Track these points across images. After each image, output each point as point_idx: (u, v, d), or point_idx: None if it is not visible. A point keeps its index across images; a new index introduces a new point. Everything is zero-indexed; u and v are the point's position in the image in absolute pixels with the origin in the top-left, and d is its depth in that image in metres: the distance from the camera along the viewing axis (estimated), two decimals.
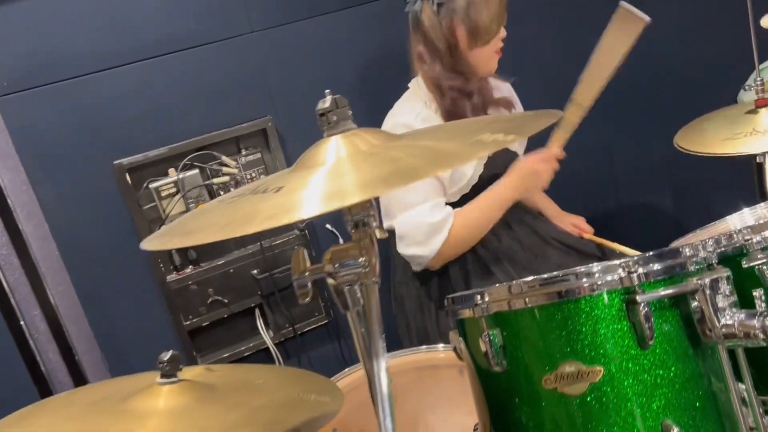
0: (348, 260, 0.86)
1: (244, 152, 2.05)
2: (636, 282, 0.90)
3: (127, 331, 2.01)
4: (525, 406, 0.97)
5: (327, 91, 0.90)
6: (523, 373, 0.96)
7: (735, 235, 1.05)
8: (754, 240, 1.03)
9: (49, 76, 1.83)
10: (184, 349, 2.06)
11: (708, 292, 0.91)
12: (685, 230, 1.54)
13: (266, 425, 1.09)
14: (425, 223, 1.69)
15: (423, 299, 1.85)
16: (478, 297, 0.98)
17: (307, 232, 2.14)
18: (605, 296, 0.92)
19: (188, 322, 2.04)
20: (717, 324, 0.92)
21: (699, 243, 0.98)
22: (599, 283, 0.92)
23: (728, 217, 1.55)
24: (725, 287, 0.93)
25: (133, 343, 2.02)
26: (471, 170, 1.77)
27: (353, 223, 0.87)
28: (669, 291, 0.92)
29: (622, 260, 0.92)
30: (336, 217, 1.90)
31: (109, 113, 1.90)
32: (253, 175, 2.04)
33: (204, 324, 2.06)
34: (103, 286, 1.96)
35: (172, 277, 2.01)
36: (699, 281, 0.92)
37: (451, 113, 1.75)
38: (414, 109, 1.77)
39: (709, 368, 0.95)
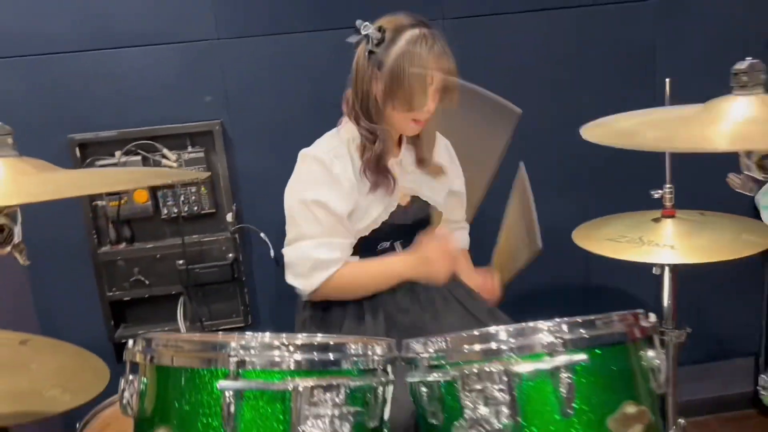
0: None
1: (189, 149, 2.15)
2: None
3: (57, 290, 2.20)
4: None
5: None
6: None
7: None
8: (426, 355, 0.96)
9: (20, 49, 2.04)
10: (104, 317, 2.22)
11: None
12: None
13: None
14: (311, 258, 1.69)
15: (306, 323, 1.86)
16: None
17: (237, 236, 2.21)
18: None
19: (111, 293, 2.19)
20: None
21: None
22: None
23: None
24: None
25: (62, 303, 2.21)
26: (375, 213, 1.74)
27: None
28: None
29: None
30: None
31: (71, 92, 2.08)
32: (193, 170, 2.15)
33: (125, 299, 2.20)
34: (41, 246, 2.16)
35: (104, 249, 2.17)
36: None
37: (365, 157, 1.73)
38: (331, 144, 1.77)
39: None
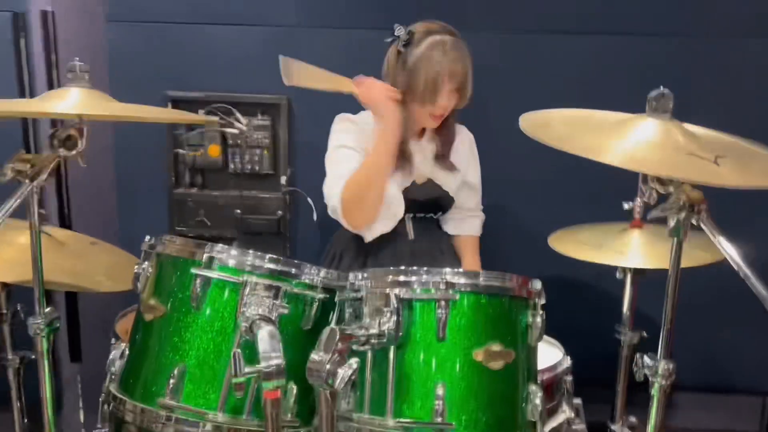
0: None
1: (259, 117, 2.52)
2: None
3: (137, 217, 2.65)
4: None
5: None
6: None
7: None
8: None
9: (138, 16, 2.48)
10: None
11: None
12: None
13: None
14: (338, 178, 1.94)
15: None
16: None
17: (287, 196, 2.56)
18: None
19: (179, 227, 2.61)
20: None
21: None
22: None
23: None
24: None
25: (139, 228, 2.64)
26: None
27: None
28: None
29: None
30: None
31: (172, 56, 2.49)
32: (259, 136, 2.52)
33: (189, 234, 2.60)
34: (133, 178, 2.60)
35: (179, 190, 2.59)
36: None
37: None
38: (366, 117, 2.08)
39: None
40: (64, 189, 2.39)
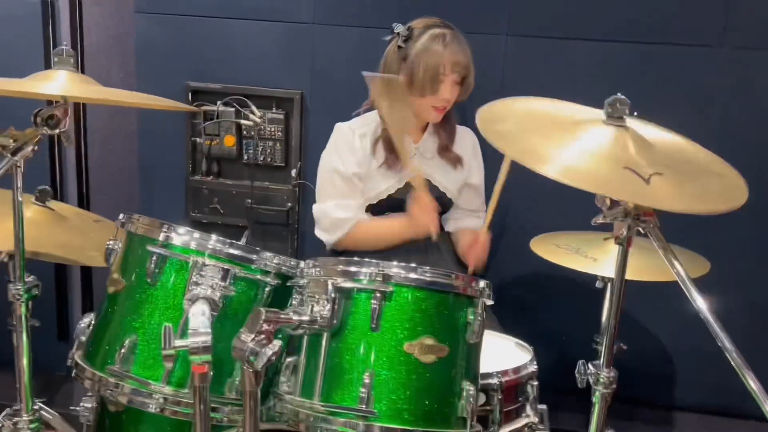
0: None
1: (273, 110, 2.60)
2: None
3: (157, 200, 2.76)
4: None
5: None
6: None
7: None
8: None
9: (163, 8, 2.58)
10: None
11: None
12: None
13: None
14: (330, 216, 2.09)
15: None
16: None
17: (297, 189, 2.62)
18: None
19: (193, 214, 2.71)
20: None
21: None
22: None
23: None
24: None
25: (158, 211, 2.76)
26: (384, 186, 2.08)
27: None
28: None
29: None
30: None
31: (194, 47, 2.60)
32: (272, 129, 2.59)
33: (203, 221, 2.71)
34: (154, 165, 2.72)
35: (195, 177, 2.69)
36: None
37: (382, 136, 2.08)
38: (361, 122, 2.14)
39: None
40: (83, 170, 2.52)
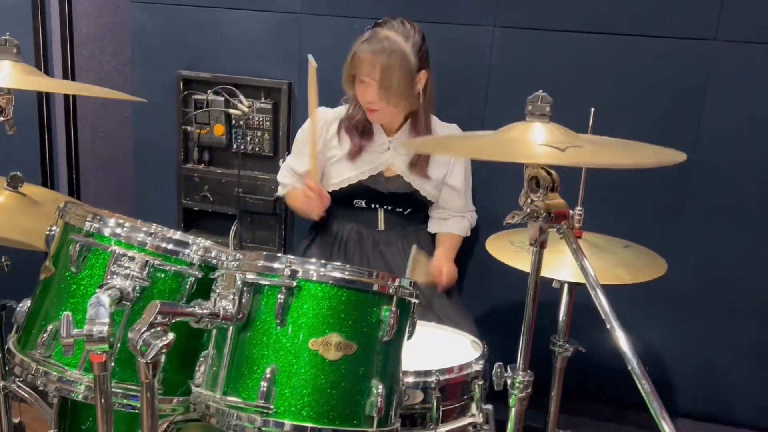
0: None
1: (262, 99, 2.61)
2: None
3: (151, 188, 2.81)
4: None
5: None
6: None
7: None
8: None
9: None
10: (177, 219, 2.79)
11: None
12: None
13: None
14: (281, 173, 2.32)
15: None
16: None
17: None
18: None
19: (185, 201, 2.75)
20: None
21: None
22: None
23: None
24: None
25: (152, 199, 2.82)
26: (350, 173, 2.10)
27: None
28: None
29: None
30: None
31: (186, 37, 2.63)
32: (261, 118, 2.60)
33: (195, 208, 2.75)
34: (147, 154, 2.76)
35: (187, 165, 2.73)
36: None
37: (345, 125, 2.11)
38: (335, 112, 2.17)
39: None
40: (74, 157, 2.57)
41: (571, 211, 1.70)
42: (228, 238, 2.73)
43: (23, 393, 1.96)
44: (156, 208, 2.83)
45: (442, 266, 2.09)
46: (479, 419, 1.57)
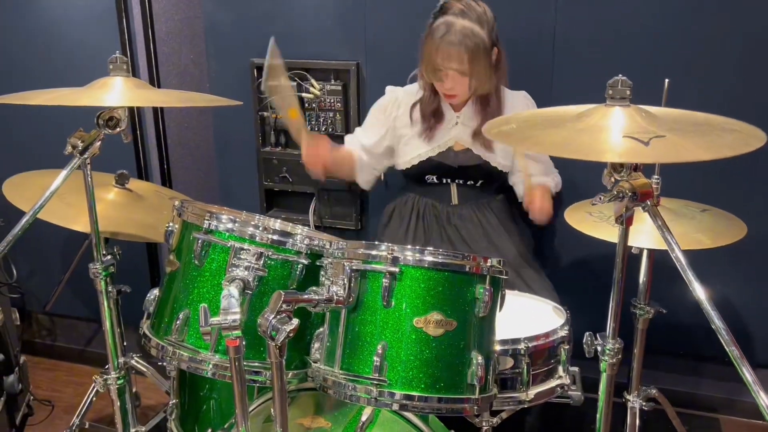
0: None
1: (332, 81, 2.71)
2: None
3: (234, 173, 2.98)
4: None
5: None
6: None
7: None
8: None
9: None
10: (259, 198, 2.95)
11: None
12: None
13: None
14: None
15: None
16: None
17: None
18: None
19: (266, 182, 2.91)
20: None
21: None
22: None
23: None
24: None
25: (236, 184, 2.99)
26: (421, 150, 2.20)
27: None
28: None
29: None
30: None
31: (257, 26, 2.74)
32: (332, 100, 2.71)
33: (275, 189, 2.91)
34: (229, 141, 2.92)
35: (265, 149, 2.87)
36: None
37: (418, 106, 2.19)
38: (409, 89, 2.25)
39: None
40: (164, 149, 2.75)
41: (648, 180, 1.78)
42: (308, 216, 2.89)
43: (141, 367, 2.18)
44: (240, 191, 3.00)
45: (535, 193, 2.10)
46: (566, 380, 1.67)
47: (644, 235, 1.71)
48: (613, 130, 1.19)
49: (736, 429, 2.54)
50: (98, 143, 1.57)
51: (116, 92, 1.53)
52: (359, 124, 2.71)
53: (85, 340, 3.19)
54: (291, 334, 1.19)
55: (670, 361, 2.63)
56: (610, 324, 1.30)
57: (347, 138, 2.43)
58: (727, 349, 1.06)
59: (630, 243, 1.69)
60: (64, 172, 1.52)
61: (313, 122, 2.76)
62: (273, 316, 1.20)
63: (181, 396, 1.92)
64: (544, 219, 2.08)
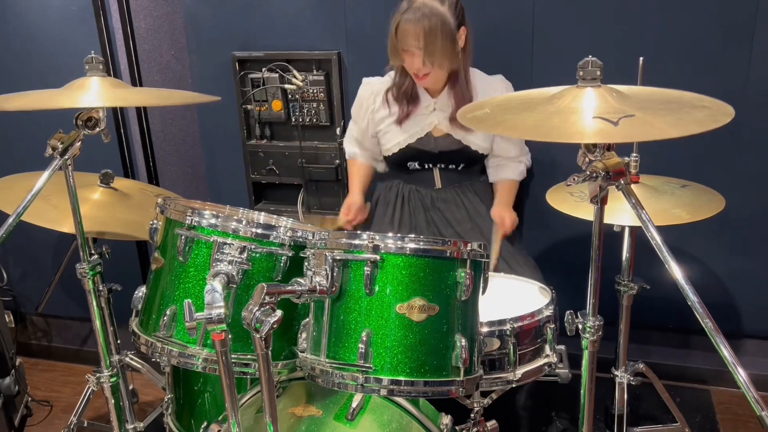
0: None
1: (314, 72, 2.72)
2: None
3: (221, 166, 2.99)
4: None
5: None
6: None
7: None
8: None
9: None
10: (247, 192, 2.96)
11: None
12: None
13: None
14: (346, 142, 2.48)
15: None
16: None
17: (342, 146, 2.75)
18: None
19: (253, 175, 2.92)
20: None
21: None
22: None
23: None
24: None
25: (222, 177, 3.00)
26: (400, 138, 2.22)
27: None
28: None
29: None
30: None
31: (238, 19, 2.74)
32: (315, 90, 2.71)
33: (263, 181, 2.92)
34: (214, 136, 2.93)
35: (251, 142, 2.88)
36: None
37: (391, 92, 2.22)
38: (382, 80, 2.29)
39: None
40: (148, 146, 2.75)
41: (626, 158, 1.79)
42: (296, 206, 2.90)
43: (136, 364, 2.20)
44: (227, 185, 3.02)
45: (503, 214, 2.19)
46: (553, 359, 1.70)
47: (626, 213, 1.72)
48: (585, 112, 1.20)
49: (727, 399, 2.57)
50: (78, 144, 1.57)
51: (93, 93, 1.53)
52: (343, 113, 2.73)
53: (80, 340, 3.20)
54: (275, 326, 1.20)
55: (660, 335, 2.66)
56: (589, 301, 1.32)
57: (345, 139, 2.48)
58: (702, 322, 1.08)
59: (612, 221, 1.72)
60: (45, 174, 1.53)
61: (297, 113, 2.77)
62: (257, 308, 1.21)
63: (176, 391, 1.95)
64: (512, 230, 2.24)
